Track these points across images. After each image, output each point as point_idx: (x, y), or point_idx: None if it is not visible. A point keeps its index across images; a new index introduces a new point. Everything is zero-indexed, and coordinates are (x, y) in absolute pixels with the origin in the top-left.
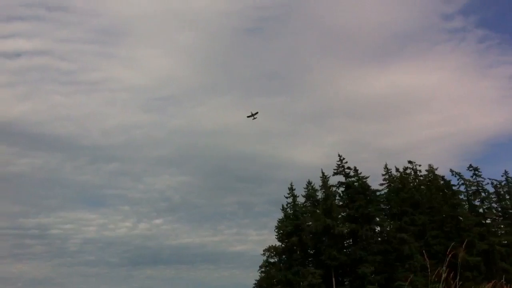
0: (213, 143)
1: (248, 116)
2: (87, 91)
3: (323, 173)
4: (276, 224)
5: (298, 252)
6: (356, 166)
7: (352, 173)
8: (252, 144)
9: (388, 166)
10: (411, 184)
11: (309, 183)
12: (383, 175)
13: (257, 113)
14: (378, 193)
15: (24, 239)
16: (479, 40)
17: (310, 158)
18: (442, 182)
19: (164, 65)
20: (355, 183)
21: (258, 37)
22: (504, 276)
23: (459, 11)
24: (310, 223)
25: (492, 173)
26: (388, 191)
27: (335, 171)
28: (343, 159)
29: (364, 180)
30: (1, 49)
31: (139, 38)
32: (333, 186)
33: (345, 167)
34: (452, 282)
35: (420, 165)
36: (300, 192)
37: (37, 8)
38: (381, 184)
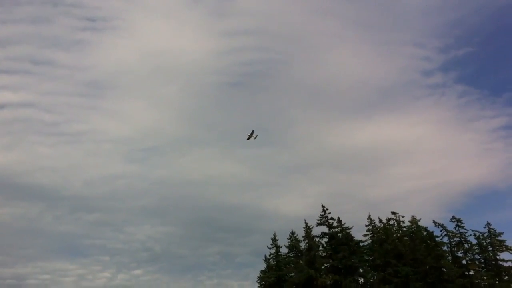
0: (196, 193)
1: (248, 138)
2: (71, 142)
3: (306, 223)
4: (259, 275)
5: None
6: (339, 216)
7: (335, 224)
8: (235, 195)
9: (371, 217)
10: (395, 235)
11: (292, 233)
12: (366, 226)
13: (253, 132)
14: (361, 244)
15: None
16: (459, 95)
17: (294, 208)
18: (425, 233)
19: (148, 117)
20: (339, 234)
21: (242, 91)
22: None
23: (439, 68)
24: (293, 274)
25: (474, 225)
26: (371, 242)
27: (319, 221)
28: (327, 209)
29: (348, 230)
30: None
31: (124, 91)
32: (316, 236)
33: (329, 217)
34: None
35: (403, 216)
36: (284, 242)
37: (23, 62)
38: (365, 235)
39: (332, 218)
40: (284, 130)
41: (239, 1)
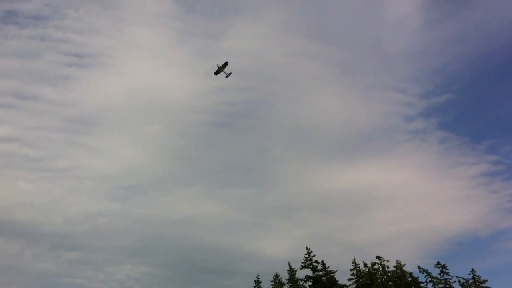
0: (178, 233)
1: (216, 72)
2: (52, 178)
3: (290, 266)
4: None
5: None
6: (324, 260)
7: (319, 267)
8: (218, 235)
9: (356, 261)
10: (379, 280)
11: (276, 276)
12: (351, 270)
13: (226, 64)
14: None
15: None
16: (440, 141)
17: (276, 250)
18: (410, 278)
19: (131, 155)
20: (323, 278)
21: (226, 131)
22: None
23: (420, 113)
24: None
25: (458, 271)
26: (356, 286)
27: (303, 264)
28: (311, 252)
29: (332, 274)
30: None
31: (108, 128)
32: (300, 280)
33: (313, 260)
34: None
35: (388, 261)
36: (267, 285)
37: (8, 96)
38: (349, 279)
39: (316, 261)
40: (267, 171)
41: (224, 42)
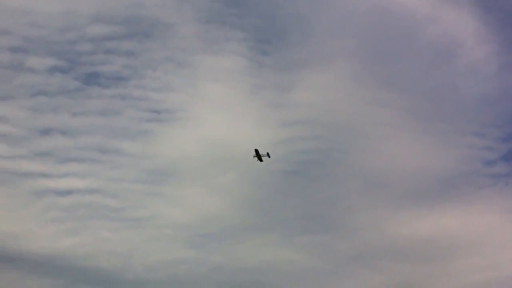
0: (254, 280)
1: (260, 160)
2: (133, 227)
3: None
4: None
5: None
6: None
7: None
8: (294, 283)
9: None
10: None
11: None
12: None
13: (257, 150)
14: None
15: None
16: None
17: None
18: None
19: (208, 204)
20: None
21: (299, 179)
22: None
23: (502, 157)
24: None
25: None
26: None
27: None
28: None
29: None
30: (54, 187)
31: (185, 178)
32: None
33: None
34: None
35: None
36: None
37: (92, 151)
38: None
39: None
40: (342, 218)
41: (294, 93)
